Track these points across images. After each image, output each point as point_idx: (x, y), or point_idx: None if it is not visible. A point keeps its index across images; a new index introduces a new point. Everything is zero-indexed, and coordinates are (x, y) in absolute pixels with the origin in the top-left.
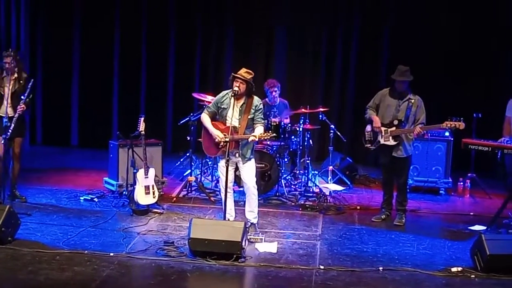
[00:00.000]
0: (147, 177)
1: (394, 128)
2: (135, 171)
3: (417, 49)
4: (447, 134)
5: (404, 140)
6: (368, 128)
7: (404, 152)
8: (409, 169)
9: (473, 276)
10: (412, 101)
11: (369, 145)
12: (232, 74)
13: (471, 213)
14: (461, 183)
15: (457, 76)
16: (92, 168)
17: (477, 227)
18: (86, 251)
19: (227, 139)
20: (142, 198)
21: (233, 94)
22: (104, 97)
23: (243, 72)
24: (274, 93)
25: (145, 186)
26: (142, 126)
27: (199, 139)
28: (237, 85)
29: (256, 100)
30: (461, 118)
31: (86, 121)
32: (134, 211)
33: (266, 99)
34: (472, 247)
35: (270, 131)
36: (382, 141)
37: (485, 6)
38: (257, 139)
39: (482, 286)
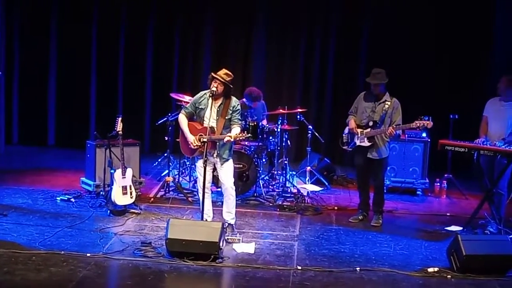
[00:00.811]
0: (125, 177)
1: (369, 130)
2: (112, 171)
3: (396, 49)
4: (424, 135)
5: (379, 142)
6: (346, 130)
7: (378, 154)
8: (385, 170)
9: (449, 276)
10: (388, 103)
11: (346, 146)
12: (212, 73)
13: (448, 214)
14: (438, 184)
15: (436, 77)
16: (69, 168)
17: (453, 228)
18: (62, 252)
19: (205, 139)
20: (120, 198)
21: (210, 95)
22: (81, 96)
23: (222, 73)
24: (253, 105)
25: (122, 187)
26: (119, 126)
27: (177, 139)
28: (215, 85)
29: (234, 101)
30: (429, 117)
31: (63, 120)
32: (111, 212)
33: (244, 99)
34: (448, 247)
35: (246, 132)
36: (358, 143)
37: (465, 7)
38: (232, 140)
39: (458, 286)
